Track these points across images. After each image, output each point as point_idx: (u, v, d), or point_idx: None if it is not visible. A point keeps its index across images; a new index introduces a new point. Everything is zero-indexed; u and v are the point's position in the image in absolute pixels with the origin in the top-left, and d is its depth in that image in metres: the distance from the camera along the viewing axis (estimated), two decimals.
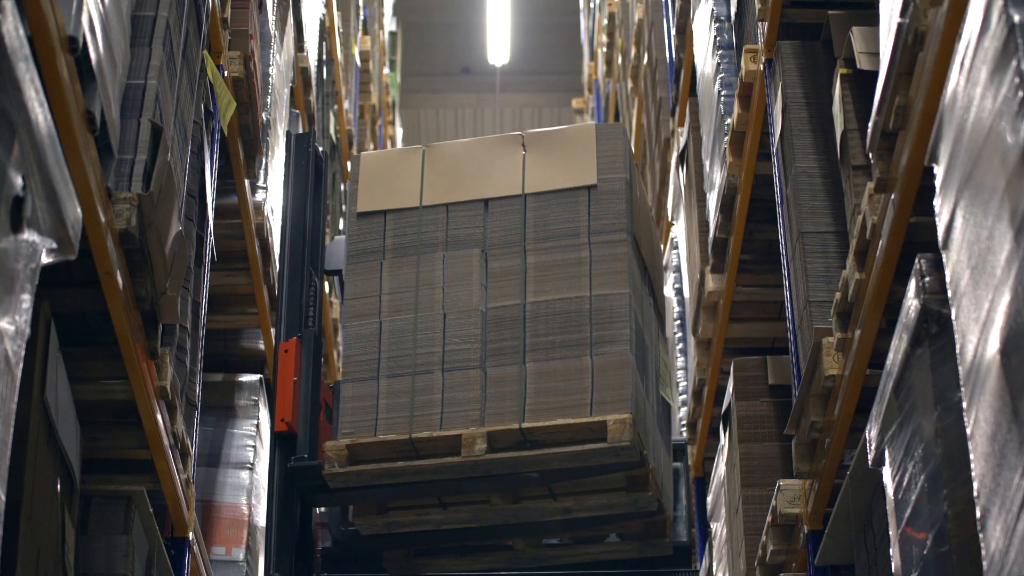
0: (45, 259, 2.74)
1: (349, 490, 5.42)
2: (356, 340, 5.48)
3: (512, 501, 5.37)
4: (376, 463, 5.27)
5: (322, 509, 6.23)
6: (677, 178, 8.32)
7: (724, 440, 6.59)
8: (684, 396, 8.46)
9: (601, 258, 5.41)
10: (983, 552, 2.69)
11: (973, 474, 2.80)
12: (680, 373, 8.64)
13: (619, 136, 5.63)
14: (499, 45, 21.89)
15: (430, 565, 5.89)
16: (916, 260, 3.46)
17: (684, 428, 8.28)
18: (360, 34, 14.51)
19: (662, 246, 9.60)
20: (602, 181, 5.55)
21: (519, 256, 5.50)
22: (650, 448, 5.31)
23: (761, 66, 5.63)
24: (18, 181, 2.54)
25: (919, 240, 3.96)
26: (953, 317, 2.98)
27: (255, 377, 6.82)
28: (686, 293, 8.15)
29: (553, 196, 5.59)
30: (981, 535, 2.70)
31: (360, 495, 5.46)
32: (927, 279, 3.40)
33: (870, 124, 4.00)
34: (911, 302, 3.49)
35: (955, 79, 2.92)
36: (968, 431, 2.86)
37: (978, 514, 2.73)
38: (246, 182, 6.47)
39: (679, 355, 8.63)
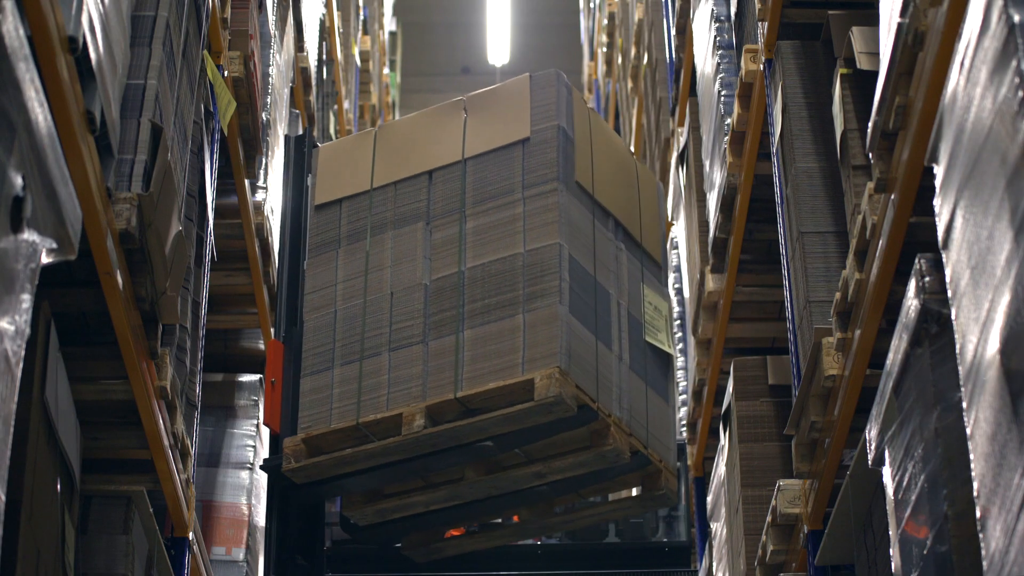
0: (45, 259, 2.74)
1: (319, 484, 5.42)
2: (314, 333, 5.48)
3: (484, 472, 5.32)
4: (329, 453, 5.26)
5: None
6: (677, 178, 8.32)
7: (724, 440, 6.59)
8: (684, 396, 8.46)
9: (534, 212, 5.28)
10: (983, 552, 2.69)
11: (973, 474, 2.80)
12: (680, 373, 8.63)
13: (552, 83, 5.48)
14: (499, 45, 21.90)
15: (447, 547, 5.87)
16: (916, 260, 3.46)
17: (684, 428, 8.28)
18: (360, 34, 14.51)
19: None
20: (535, 132, 5.41)
21: (460, 223, 5.43)
22: (612, 400, 5.18)
23: (761, 66, 5.63)
24: (18, 181, 2.54)
25: (919, 240, 3.96)
26: (953, 317, 2.98)
27: (255, 377, 6.82)
28: (686, 293, 8.15)
29: (490, 156, 5.49)
30: (981, 535, 2.70)
31: (331, 487, 5.47)
32: (927, 279, 3.40)
33: (870, 124, 4.00)
34: (911, 302, 3.49)
35: (955, 79, 2.92)
36: (968, 431, 2.86)
37: (978, 514, 2.73)
38: (246, 182, 6.47)
39: (679, 355, 8.63)
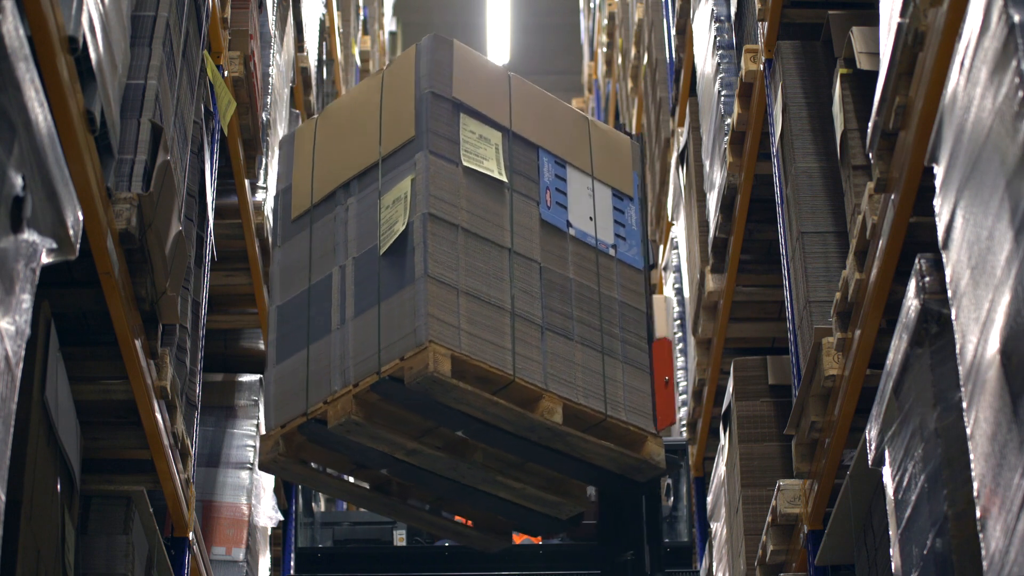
0: (45, 259, 2.74)
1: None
2: None
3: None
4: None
5: (322, 508, 6.21)
6: (677, 178, 8.32)
7: (724, 440, 6.59)
8: (684, 396, 8.46)
9: None
10: (983, 552, 2.69)
11: (973, 474, 2.80)
12: (680, 373, 8.64)
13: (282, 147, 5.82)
14: (499, 45, 21.90)
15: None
16: (916, 260, 3.46)
17: (684, 428, 8.28)
18: (360, 34, 14.52)
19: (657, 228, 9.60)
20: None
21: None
22: (335, 376, 5.15)
23: (761, 66, 5.63)
24: (18, 181, 2.54)
25: (919, 240, 3.96)
26: (953, 317, 2.98)
27: (255, 377, 6.82)
28: (686, 293, 8.15)
29: None
30: (981, 535, 2.70)
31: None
32: (927, 279, 3.40)
33: (870, 124, 4.00)
34: (911, 302, 3.49)
35: (955, 79, 2.92)
36: (968, 431, 2.86)
37: (978, 514, 2.73)
38: (246, 182, 6.47)
39: (679, 355, 8.63)
